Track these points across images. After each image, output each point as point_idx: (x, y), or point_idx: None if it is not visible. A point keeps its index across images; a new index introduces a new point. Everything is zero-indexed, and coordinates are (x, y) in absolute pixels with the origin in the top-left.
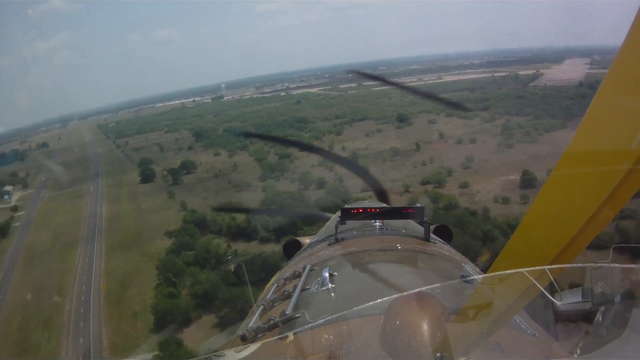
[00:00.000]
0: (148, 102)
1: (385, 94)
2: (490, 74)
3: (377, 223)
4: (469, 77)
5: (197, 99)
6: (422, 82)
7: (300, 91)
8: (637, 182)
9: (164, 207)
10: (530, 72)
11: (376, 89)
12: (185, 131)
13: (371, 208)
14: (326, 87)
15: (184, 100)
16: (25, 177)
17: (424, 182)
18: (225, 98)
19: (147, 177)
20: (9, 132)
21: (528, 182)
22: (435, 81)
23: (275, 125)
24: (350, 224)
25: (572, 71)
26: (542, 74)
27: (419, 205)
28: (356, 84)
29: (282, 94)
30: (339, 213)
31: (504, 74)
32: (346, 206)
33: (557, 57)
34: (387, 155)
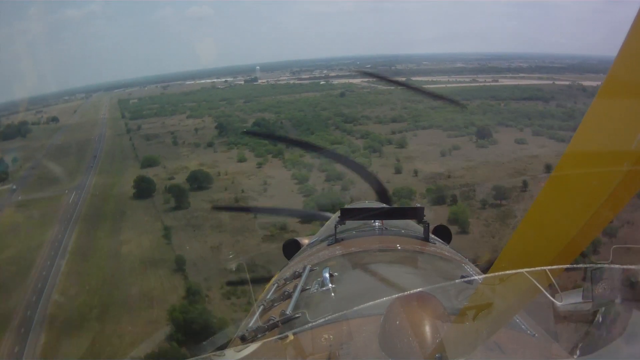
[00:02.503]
0: (179, 78)
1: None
2: (550, 82)
3: (377, 223)
4: (527, 82)
5: (229, 79)
6: (478, 84)
7: (342, 81)
8: (637, 182)
9: (152, 259)
10: (593, 83)
11: (430, 86)
12: (209, 118)
13: (371, 208)
14: (370, 79)
15: (215, 80)
16: (8, 164)
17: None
18: (260, 81)
19: (143, 191)
20: (31, 98)
21: None
22: (491, 84)
23: (317, 122)
24: (349, 224)
25: None
26: None
27: (418, 205)
28: (405, 78)
29: (322, 82)
30: (338, 213)
31: (566, 82)
32: (346, 206)
33: (607, 67)
34: (485, 194)
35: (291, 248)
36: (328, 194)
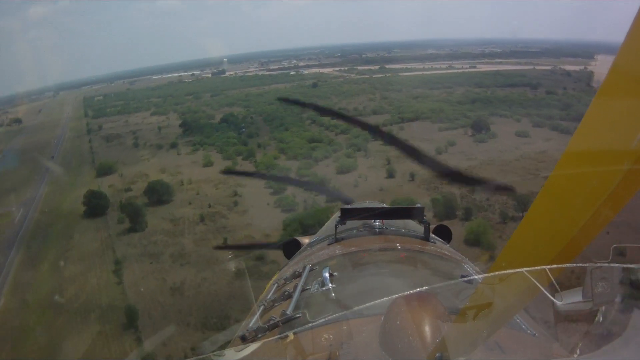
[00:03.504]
0: (148, 73)
1: (424, 83)
2: (531, 67)
3: (377, 223)
4: (506, 67)
5: (196, 72)
6: (456, 70)
7: (312, 71)
8: (637, 182)
9: (99, 306)
10: (576, 67)
11: (406, 74)
12: (174, 115)
13: (371, 208)
14: (342, 68)
15: (182, 74)
16: None
17: None
18: (227, 74)
19: (95, 208)
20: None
21: None
22: (470, 70)
23: (290, 116)
24: (350, 223)
25: None
26: (592, 72)
27: (418, 205)
28: (379, 66)
29: (292, 72)
30: (338, 213)
31: (547, 67)
32: (346, 206)
33: (583, 51)
34: (501, 204)
35: (291, 247)
36: (313, 211)
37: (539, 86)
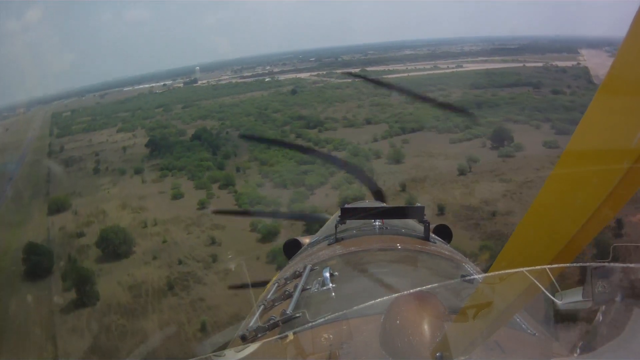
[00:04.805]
0: (119, 85)
1: (415, 85)
2: (521, 64)
3: (377, 222)
4: (494, 66)
5: (168, 82)
6: (443, 71)
7: (288, 76)
8: (637, 181)
9: None
10: (566, 63)
11: (391, 76)
12: (142, 131)
13: (371, 208)
14: (320, 73)
15: (153, 84)
16: None
17: None
18: (200, 82)
19: (35, 267)
20: None
21: None
22: (455, 70)
23: (271, 130)
24: (350, 223)
25: (607, 65)
26: (586, 67)
27: (418, 204)
28: (359, 69)
29: (267, 79)
30: (338, 212)
31: (538, 64)
32: (346, 206)
33: (564, 46)
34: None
35: (292, 247)
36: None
37: (541, 85)
